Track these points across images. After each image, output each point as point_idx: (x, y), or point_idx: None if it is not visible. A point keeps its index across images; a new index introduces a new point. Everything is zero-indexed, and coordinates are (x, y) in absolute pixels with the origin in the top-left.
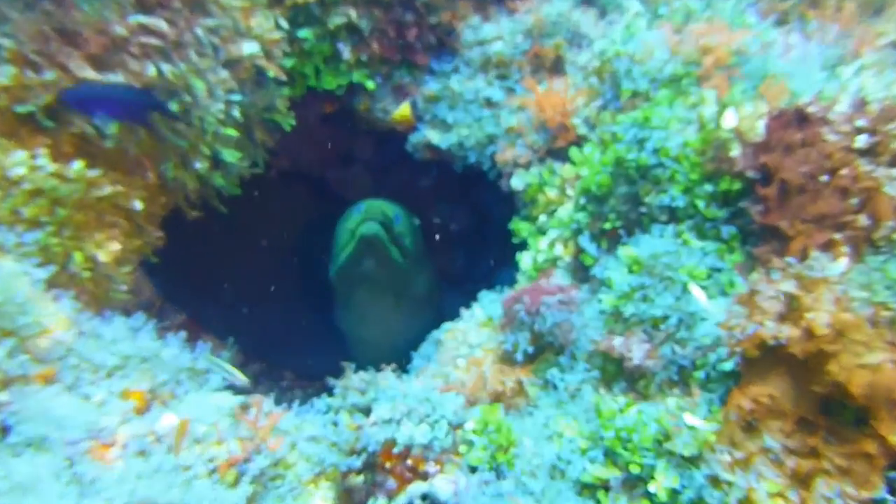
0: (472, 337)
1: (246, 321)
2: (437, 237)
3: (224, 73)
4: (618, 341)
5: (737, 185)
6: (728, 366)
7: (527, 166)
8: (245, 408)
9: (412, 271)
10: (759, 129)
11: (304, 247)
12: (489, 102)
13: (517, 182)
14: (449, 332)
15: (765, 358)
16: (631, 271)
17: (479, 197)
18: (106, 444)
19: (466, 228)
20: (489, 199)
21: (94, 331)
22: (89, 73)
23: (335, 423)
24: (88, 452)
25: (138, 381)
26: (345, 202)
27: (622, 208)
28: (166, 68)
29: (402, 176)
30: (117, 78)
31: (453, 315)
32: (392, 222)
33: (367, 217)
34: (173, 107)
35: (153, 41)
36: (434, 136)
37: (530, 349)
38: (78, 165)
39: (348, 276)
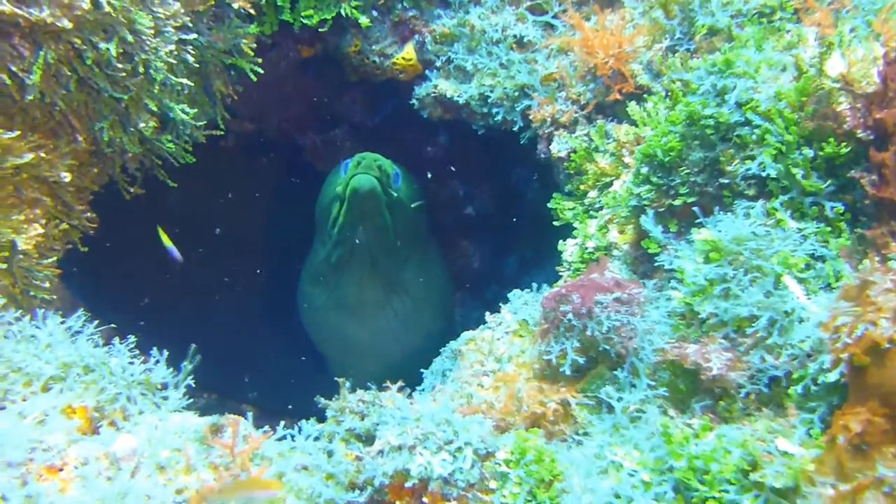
0: (500, 347)
1: (194, 335)
2: (450, 221)
3: (175, 5)
4: (692, 349)
5: (844, 149)
6: (832, 377)
7: (571, 127)
8: (216, 429)
9: (412, 252)
10: (873, 77)
11: (270, 235)
12: (521, 43)
13: (558, 147)
14: (470, 343)
15: (879, 366)
16: (709, 260)
17: (506, 170)
18: (55, 467)
19: (489, 212)
20: (520, 173)
21: (24, 332)
22: (5, 6)
23: (329, 453)
24: (35, 476)
25: (82, 396)
26: (320, 177)
27: (697, 179)
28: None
29: (404, 142)
30: (40, 13)
31: (469, 328)
32: (390, 181)
33: (361, 170)
34: (112, 48)
35: None
36: (448, 87)
37: (580, 360)
38: None
39: (341, 252)
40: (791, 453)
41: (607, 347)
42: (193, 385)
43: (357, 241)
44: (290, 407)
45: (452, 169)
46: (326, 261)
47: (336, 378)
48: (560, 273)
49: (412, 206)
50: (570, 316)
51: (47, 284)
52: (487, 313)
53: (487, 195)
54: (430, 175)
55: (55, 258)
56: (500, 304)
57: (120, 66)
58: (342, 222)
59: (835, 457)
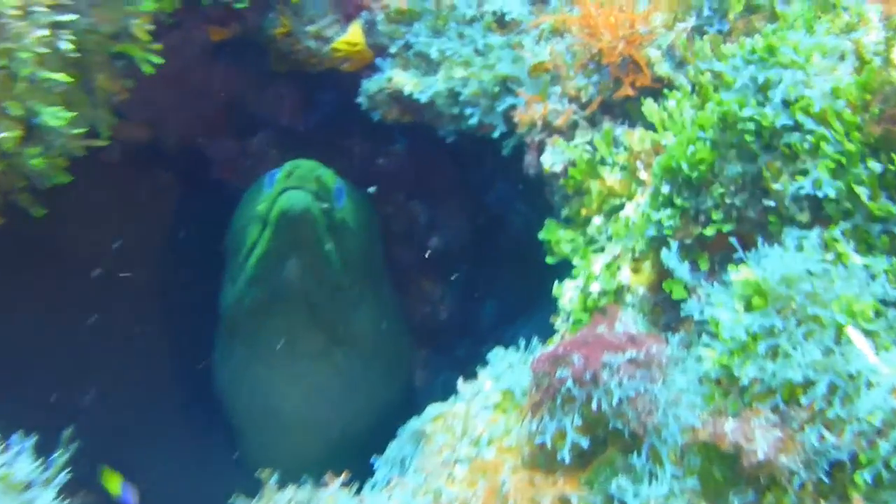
0: (478, 426)
1: (66, 411)
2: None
3: None
4: (730, 426)
5: None
6: None
7: (568, 132)
8: None
9: (361, 292)
10: None
11: (166, 274)
12: (502, 22)
13: (552, 160)
14: (438, 420)
15: None
16: (751, 308)
17: (483, 186)
18: None
19: (460, 244)
20: (501, 191)
21: None
22: None
23: None
24: None
25: None
26: (236, 197)
27: (734, 201)
28: None
29: (348, 151)
30: None
31: (436, 396)
32: (331, 198)
33: (293, 183)
34: None
35: None
36: (406, 80)
37: (584, 442)
38: None
39: (257, 294)
40: None
41: (619, 425)
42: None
43: (285, 280)
44: None
45: (410, 196)
46: (237, 304)
47: (256, 464)
48: (555, 326)
49: (361, 227)
50: (569, 383)
51: None
52: (460, 380)
53: (458, 221)
54: (372, 190)
55: None
56: (477, 368)
57: None
58: (262, 252)
59: None
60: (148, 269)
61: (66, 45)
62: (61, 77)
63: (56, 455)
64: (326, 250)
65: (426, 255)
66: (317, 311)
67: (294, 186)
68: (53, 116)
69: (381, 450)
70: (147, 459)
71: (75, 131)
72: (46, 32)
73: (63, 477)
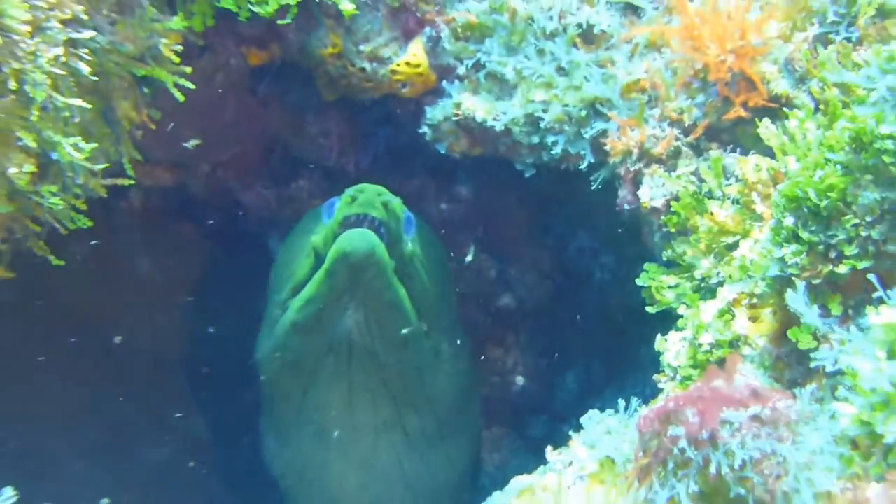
0: (571, 501)
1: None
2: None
3: None
4: (874, 491)
5: None
6: None
7: (670, 161)
8: None
9: (437, 344)
10: None
11: (195, 345)
12: (588, 36)
13: (651, 193)
14: (524, 495)
15: None
16: (894, 355)
17: (562, 237)
18: None
19: (536, 304)
20: (583, 242)
21: None
22: None
23: None
24: None
25: None
26: (273, 253)
27: (871, 234)
28: None
29: (405, 195)
30: None
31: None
32: (400, 228)
33: (356, 210)
34: None
35: None
36: (477, 105)
37: None
38: None
39: (299, 345)
40: None
41: (742, 492)
42: None
43: (343, 333)
44: None
45: (480, 245)
46: (277, 353)
47: None
48: (660, 385)
49: (433, 264)
50: (683, 443)
51: None
52: (549, 449)
53: (533, 277)
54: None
55: None
56: (570, 433)
57: None
58: (312, 295)
59: None
60: (175, 338)
61: (84, 67)
62: (79, 103)
63: None
64: (395, 296)
65: (495, 316)
66: (384, 370)
67: (356, 212)
68: (72, 149)
69: None
70: None
71: (96, 167)
72: (61, 52)
73: None
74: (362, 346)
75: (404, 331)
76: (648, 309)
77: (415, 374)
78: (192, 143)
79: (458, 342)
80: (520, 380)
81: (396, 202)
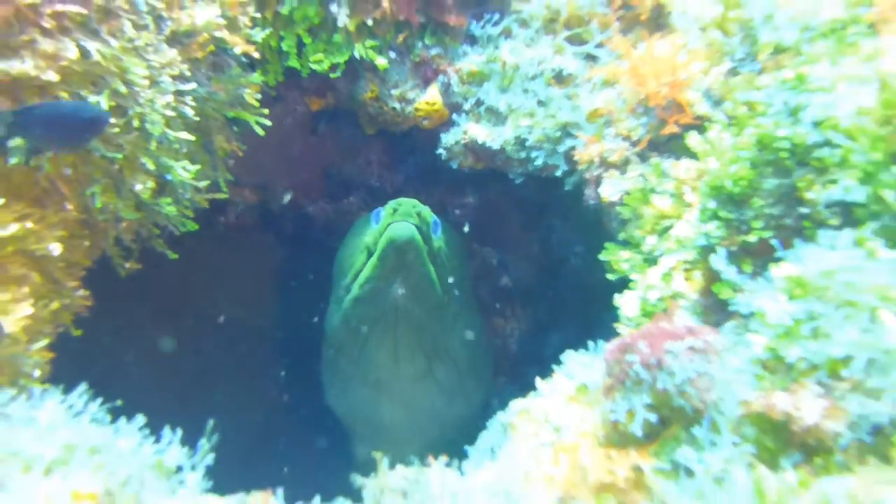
0: (557, 416)
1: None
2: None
3: (171, 53)
4: (781, 398)
5: None
6: None
7: (622, 167)
8: None
9: (456, 311)
10: None
11: (277, 316)
12: (560, 77)
13: (610, 190)
14: (523, 413)
15: None
16: (793, 298)
17: (545, 231)
18: None
19: (528, 284)
20: (561, 234)
21: (23, 413)
22: None
23: None
24: None
25: (89, 480)
26: (333, 253)
27: (773, 211)
28: (92, 47)
29: (428, 204)
30: (23, 65)
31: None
32: (430, 229)
33: (398, 217)
34: (103, 102)
35: (72, 9)
36: (480, 131)
37: (652, 418)
38: None
39: (362, 313)
40: None
41: (682, 402)
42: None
43: (392, 300)
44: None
45: (483, 240)
46: (344, 324)
47: (366, 460)
48: (619, 331)
49: (454, 254)
50: (637, 367)
51: (37, 372)
52: (538, 379)
53: (525, 263)
54: (466, 229)
55: (45, 342)
56: (554, 367)
57: (112, 121)
58: (369, 275)
59: None
60: (261, 312)
61: (188, 111)
62: (186, 136)
63: (202, 442)
64: (428, 273)
65: (497, 293)
66: (419, 328)
67: (398, 220)
68: (182, 170)
69: (471, 444)
70: (275, 460)
71: (200, 184)
72: (171, 99)
73: (209, 460)
74: (405, 311)
75: (434, 297)
76: (609, 276)
77: (441, 334)
78: (286, 199)
79: (472, 311)
80: (515, 342)
81: (427, 211)
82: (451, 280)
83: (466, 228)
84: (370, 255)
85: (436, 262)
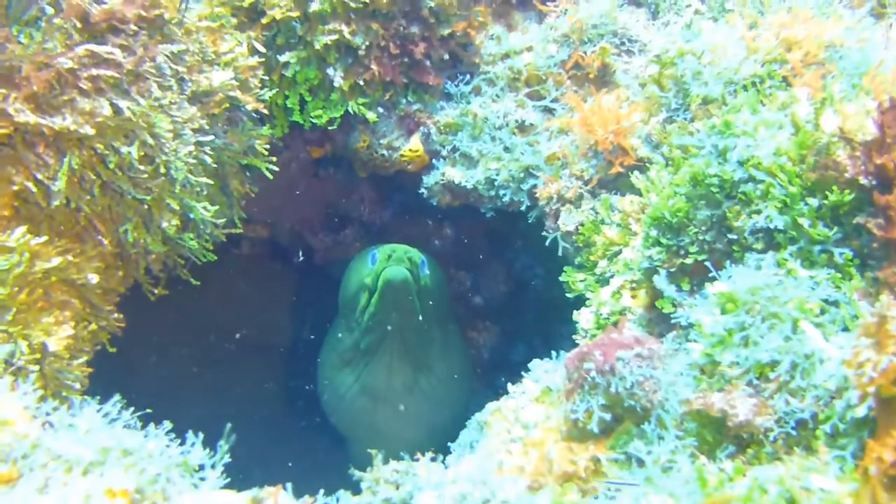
0: (525, 414)
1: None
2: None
3: (192, 110)
4: (717, 397)
5: (848, 196)
6: (860, 412)
7: (577, 202)
8: (257, 502)
9: (437, 332)
10: (869, 128)
11: (286, 334)
12: (522, 127)
13: (566, 221)
14: (496, 413)
15: None
16: (725, 311)
17: (510, 258)
18: None
19: (497, 300)
20: (524, 261)
21: (64, 421)
22: (29, 118)
23: None
24: None
25: (122, 478)
26: (333, 282)
27: (706, 237)
28: (124, 105)
29: (412, 237)
30: (63, 121)
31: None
32: (418, 269)
33: (392, 263)
34: (133, 152)
35: (106, 73)
36: (455, 173)
37: (607, 417)
38: (19, 232)
39: (369, 339)
40: (828, 489)
41: (632, 402)
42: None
43: (389, 329)
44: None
45: (459, 265)
46: (354, 347)
47: (360, 462)
48: (577, 341)
49: (436, 287)
50: (593, 373)
51: (78, 385)
52: (509, 384)
53: (495, 284)
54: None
55: (85, 359)
56: (522, 374)
57: (142, 167)
58: (373, 311)
59: (871, 489)
60: (271, 330)
61: (207, 159)
62: (206, 181)
63: (220, 443)
64: (416, 306)
65: (471, 310)
66: (408, 347)
67: (393, 265)
68: (203, 210)
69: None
70: (283, 458)
71: (218, 221)
72: (193, 149)
73: (226, 459)
74: (398, 335)
75: (419, 324)
76: (567, 295)
77: (424, 351)
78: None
79: (452, 331)
80: (485, 351)
81: (416, 254)
82: (433, 307)
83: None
84: (371, 292)
85: (422, 296)
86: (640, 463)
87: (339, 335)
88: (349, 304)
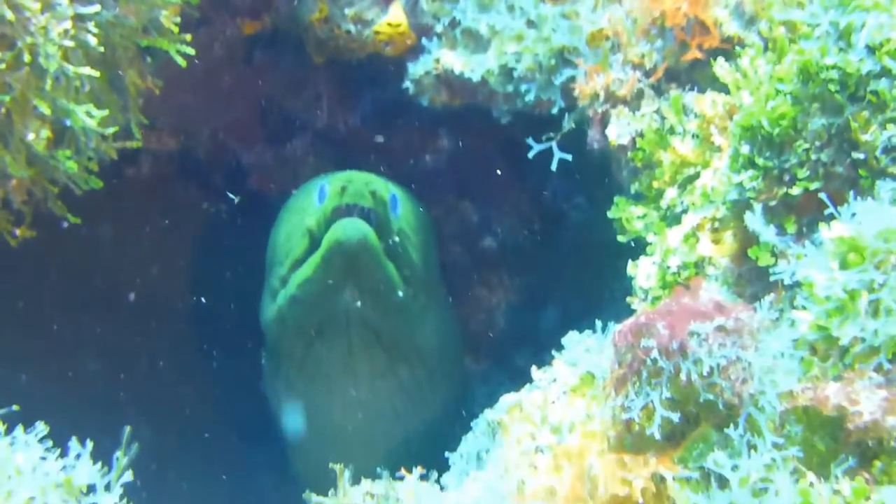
0: (557, 413)
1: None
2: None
3: None
4: (832, 389)
5: None
6: None
7: (634, 102)
8: None
9: (424, 304)
10: None
11: (201, 295)
12: None
13: (618, 132)
14: (514, 410)
15: None
16: (847, 265)
17: (539, 180)
18: None
19: (517, 244)
20: (558, 184)
21: None
22: None
23: None
24: None
25: None
26: (274, 212)
27: (820, 157)
28: None
29: (391, 150)
30: None
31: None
32: (387, 210)
33: (345, 201)
34: None
35: None
36: (455, 60)
37: (674, 417)
38: None
39: (301, 315)
40: None
41: (711, 396)
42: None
43: (342, 308)
44: None
45: (462, 192)
46: (280, 322)
47: (311, 475)
48: (633, 307)
49: (417, 235)
50: (655, 354)
51: None
52: (534, 367)
53: (513, 219)
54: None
55: None
56: (553, 353)
57: None
58: (310, 276)
59: None
60: (181, 290)
61: (91, 40)
62: (89, 72)
63: (117, 455)
64: (387, 274)
65: (479, 257)
66: (377, 332)
67: (347, 201)
68: (85, 115)
69: (442, 452)
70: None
71: (107, 131)
72: (70, 25)
73: (126, 477)
74: (358, 316)
75: (395, 298)
76: (619, 238)
77: (405, 331)
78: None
79: (441, 299)
80: (500, 317)
81: (382, 187)
82: (415, 267)
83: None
84: (313, 241)
85: (395, 254)
86: (723, 483)
87: (265, 302)
88: (279, 253)
